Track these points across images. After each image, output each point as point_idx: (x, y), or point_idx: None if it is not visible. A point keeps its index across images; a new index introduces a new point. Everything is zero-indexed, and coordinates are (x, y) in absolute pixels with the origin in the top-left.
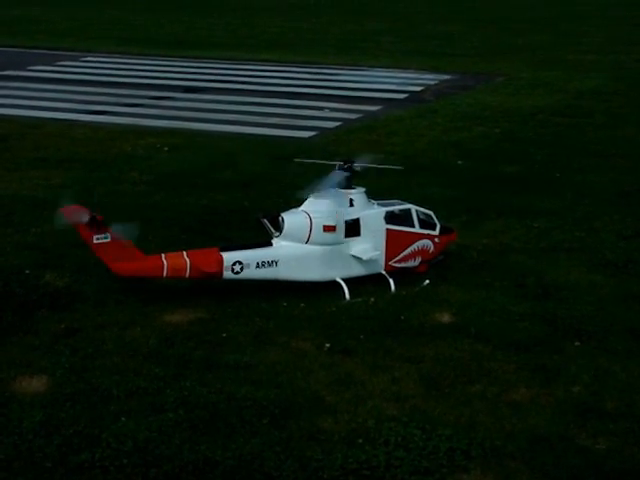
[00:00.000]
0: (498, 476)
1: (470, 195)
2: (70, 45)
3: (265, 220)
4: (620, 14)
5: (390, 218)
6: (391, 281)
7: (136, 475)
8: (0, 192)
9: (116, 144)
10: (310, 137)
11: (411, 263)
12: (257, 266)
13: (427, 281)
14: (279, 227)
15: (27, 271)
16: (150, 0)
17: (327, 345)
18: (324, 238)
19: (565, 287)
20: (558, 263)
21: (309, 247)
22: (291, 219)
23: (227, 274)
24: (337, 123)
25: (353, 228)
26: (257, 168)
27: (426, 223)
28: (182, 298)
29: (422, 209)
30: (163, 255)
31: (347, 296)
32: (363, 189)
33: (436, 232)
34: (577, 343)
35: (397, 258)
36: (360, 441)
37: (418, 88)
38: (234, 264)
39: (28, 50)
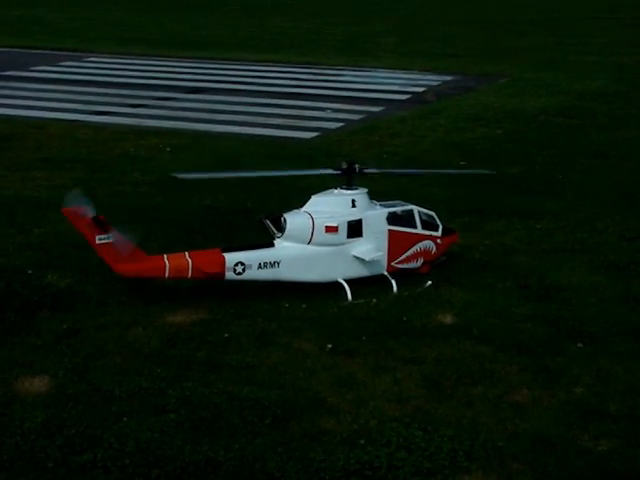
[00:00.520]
0: (500, 477)
1: (472, 196)
2: (73, 45)
3: (267, 221)
4: (623, 15)
5: (392, 219)
6: (393, 282)
7: (138, 475)
8: (3, 192)
9: (119, 145)
10: (312, 138)
11: (413, 264)
12: (259, 267)
13: (429, 282)
14: (281, 228)
15: (29, 271)
16: (153, 1)
17: (329, 346)
18: (326, 239)
19: (567, 288)
20: (560, 264)
21: (311, 248)
22: (293, 220)
23: (229, 275)
24: (339, 124)
25: (355, 229)
26: (259, 169)
27: (428, 224)
28: (184, 299)
29: (424, 210)
30: (165, 256)
31: (349, 297)
32: (365, 190)
33: (438, 233)
34: (579, 344)
35: (399, 259)
36: (362, 442)
37: (420, 89)
38: (236, 265)
39: (31, 50)
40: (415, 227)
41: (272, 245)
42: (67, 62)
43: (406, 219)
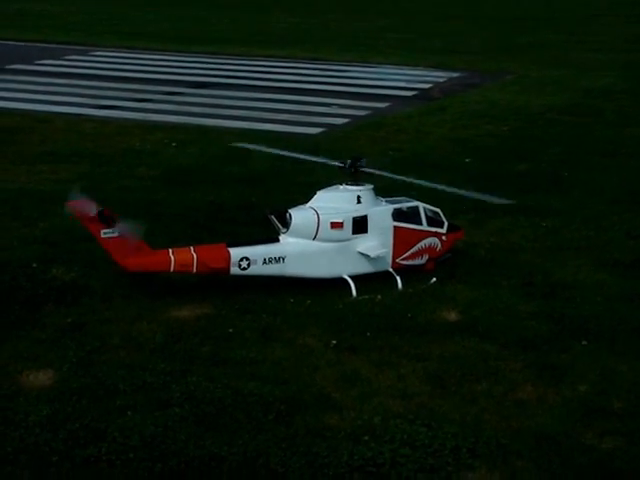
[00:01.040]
0: (504, 474)
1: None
2: (78, 39)
3: (272, 216)
4: (630, 12)
5: (398, 215)
6: (398, 278)
7: (142, 470)
8: (8, 186)
9: (124, 139)
10: (318, 134)
11: (418, 261)
12: (264, 262)
13: (434, 279)
14: (286, 223)
15: (34, 265)
16: None
17: (333, 342)
18: (331, 235)
19: (573, 286)
20: (566, 262)
21: (316, 243)
22: (298, 215)
23: (234, 270)
24: (345, 120)
25: (361, 225)
26: (265, 164)
27: (434, 221)
28: (189, 293)
29: (430, 207)
30: (170, 250)
31: (354, 293)
32: (371, 186)
33: (443, 230)
34: (584, 342)
35: (404, 255)
36: (366, 438)
37: (426, 85)
38: (241, 260)
39: (36, 44)
40: (420, 224)
41: (277, 240)
42: (73, 56)
43: (411, 215)
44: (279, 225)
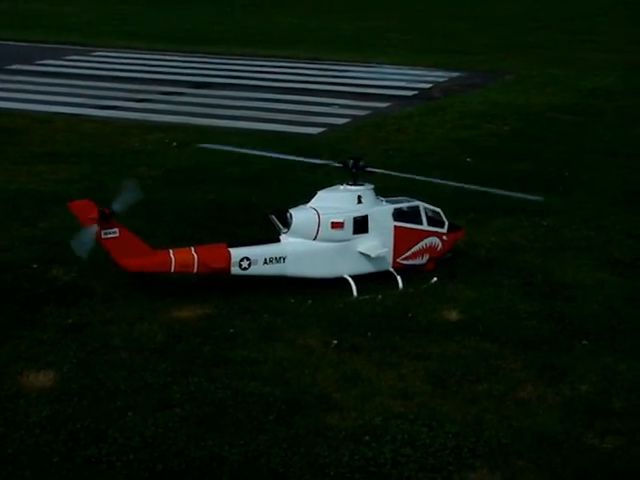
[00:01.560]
0: (505, 474)
1: (478, 193)
2: (79, 40)
3: (273, 216)
4: (631, 12)
5: (398, 215)
6: (399, 278)
7: (142, 470)
8: (8, 186)
9: (124, 139)
10: (319, 133)
11: (419, 260)
12: (265, 262)
13: (435, 279)
14: (287, 223)
15: (35, 265)
16: None
17: (334, 342)
18: (332, 235)
19: (573, 286)
20: (566, 261)
21: (317, 243)
22: (299, 215)
23: (235, 270)
24: (346, 120)
25: (361, 225)
26: (265, 164)
27: (434, 220)
28: (190, 294)
29: (430, 206)
30: (171, 250)
31: (355, 293)
32: (372, 186)
33: (444, 230)
34: (585, 342)
35: (405, 255)
36: (367, 438)
37: (427, 85)
38: (242, 260)
39: (36, 44)
40: (421, 223)
41: (278, 240)
42: (73, 56)
43: (412, 215)
44: (280, 225)
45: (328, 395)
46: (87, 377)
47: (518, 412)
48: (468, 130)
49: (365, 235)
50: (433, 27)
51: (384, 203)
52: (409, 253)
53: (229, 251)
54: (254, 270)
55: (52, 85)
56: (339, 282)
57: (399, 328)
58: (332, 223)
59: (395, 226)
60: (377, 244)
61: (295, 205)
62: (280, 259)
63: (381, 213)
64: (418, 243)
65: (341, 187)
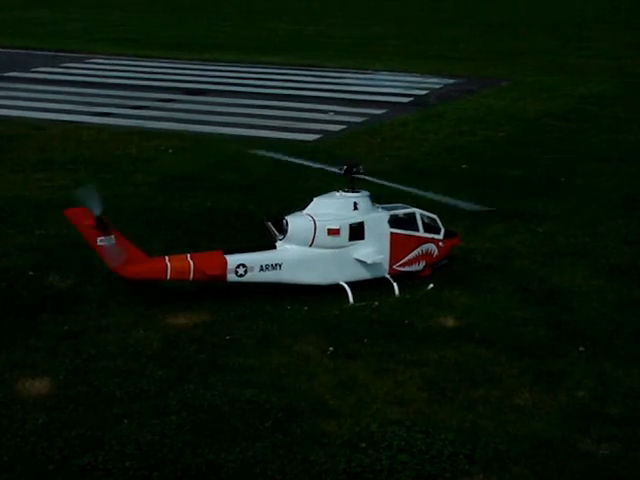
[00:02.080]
0: None
1: (474, 199)
2: (74, 47)
3: (269, 223)
4: (625, 19)
5: (394, 222)
6: (395, 285)
7: (138, 478)
8: (4, 193)
9: (121, 146)
10: (315, 140)
11: (415, 267)
12: (261, 269)
13: (431, 285)
14: (283, 230)
15: (30, 273)
16: (155, 2)
17: (331, 349)
18: (328, 241)
19: (569, 292)
20: (562, 268)
21: (313, 250)
22: (295, 222)
23: (231, 277)
24: (342, 126)
25: (357, 231)
26: (261, 171)
27: (430, 227)
28: (186, 301)
29: (426, 213)
30: (167, 257)
31: (351, 300)
32: (367, 193)
33: (440, 236)
34: (581, 348)
35: (401, 262)
36: (363, 445)
37: (423, 92)
38: (238, 267)
39: (33, 52)
40: (417, 230)
41: (274, 247)
42: (69, 63)
43: (408, 222)
44: (276, 232)
45: (324, 402)
46: (83, 384)
47: (514, 418)
48: (463, 136)
49: (361, 242)
50: (429, 34)
51: (380, 210)
52: (405, 260)
53: (225, 258)
54: (250, 277)
55: (48, 92)
56: (335, 289)
57: (395, 335)
58: (328, 230)
59: (391, 233)
60: (373, 251)
61: (291, 212)
62: (276, 266)
63: (377, 220)
64: (414, 250)
65: (337, 194)
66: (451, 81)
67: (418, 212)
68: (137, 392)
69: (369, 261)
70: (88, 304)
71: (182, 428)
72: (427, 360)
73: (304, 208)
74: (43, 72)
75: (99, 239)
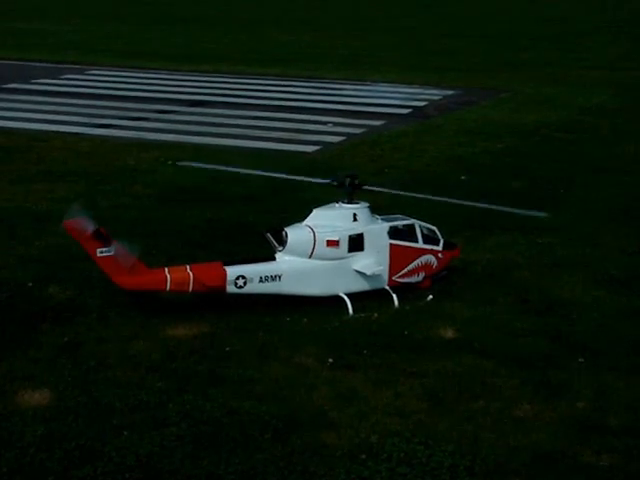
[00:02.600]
0: None
1: (474, 210)
2: (75, 58)
3: (268, 234)
4: (625, 30)
5: (394, 233)
6: (395, 296)
7: None
8: (4, 205)
9: (120, 157)
10: (314, 151)
11: (415, 278)
12: (260, 280)
13: (431, 296)
14: (282, 241)
15: (30, 284)
16: (155, 14)
17: (330, 360)
18: (327, 253)
19: (569, 303)
20: (562, 279)
21: (312, 262)
22: (295, 233)
23: (230, 288)
24: (341, 138)
25: (357, 243)
26: (261, 182)
27: (430, 238)
28: (185, 312)
29: (426, 224)
30: (166, 269)
31: (350, 311)
32: (367, 204)
33: (440, 247)
34: (581, 359)
35: (401, 273)
36: (363, 456)
37: (422, 103)
38: (237, 278)
39: (33, 63)
40: (417, 241)
41: (273, 259)
42: (69, 75)
43: (407, 233)
44: (275, 243)
45: (324, 413)
46: (82, 395)
47: (514, 430)
48: (463, 148)
49: (361, 253)
50: (427, 45)
51: (379, 221)
52: (405, 271)
53: (225, 269)
54: (250, 288)
55: (48, 104)
56: (335, 300)
57: (395, 346)
58: (327, 241)
59: (391, 244)
60: (373, 262)
61: (290, 223)
62: (276, 277)
63: (377, 231)
64: (414, 261)
65: (336, 205)
66: (450, 92)
67: (417, 223)
68: (137, 403)
69: (369, 272)
70: (88, 315)
71: (182, 439)
72: (427, 371)
73: (304, 219)
74: (43, 83)
75: (98, 250)
